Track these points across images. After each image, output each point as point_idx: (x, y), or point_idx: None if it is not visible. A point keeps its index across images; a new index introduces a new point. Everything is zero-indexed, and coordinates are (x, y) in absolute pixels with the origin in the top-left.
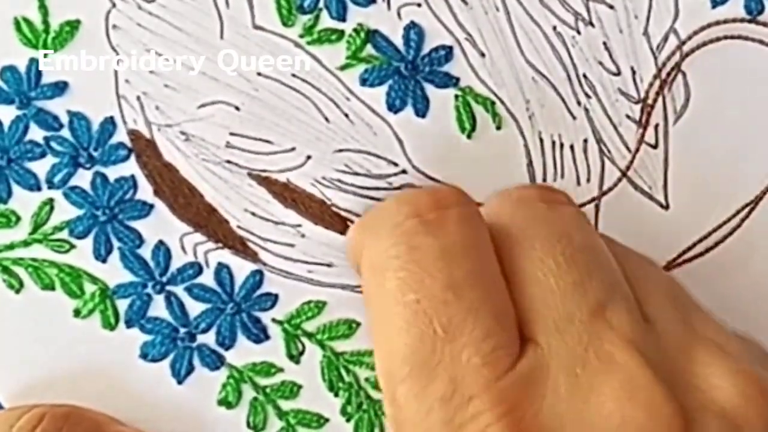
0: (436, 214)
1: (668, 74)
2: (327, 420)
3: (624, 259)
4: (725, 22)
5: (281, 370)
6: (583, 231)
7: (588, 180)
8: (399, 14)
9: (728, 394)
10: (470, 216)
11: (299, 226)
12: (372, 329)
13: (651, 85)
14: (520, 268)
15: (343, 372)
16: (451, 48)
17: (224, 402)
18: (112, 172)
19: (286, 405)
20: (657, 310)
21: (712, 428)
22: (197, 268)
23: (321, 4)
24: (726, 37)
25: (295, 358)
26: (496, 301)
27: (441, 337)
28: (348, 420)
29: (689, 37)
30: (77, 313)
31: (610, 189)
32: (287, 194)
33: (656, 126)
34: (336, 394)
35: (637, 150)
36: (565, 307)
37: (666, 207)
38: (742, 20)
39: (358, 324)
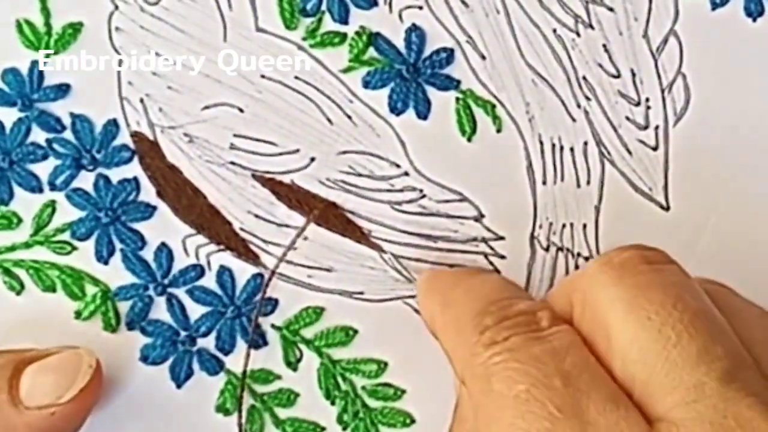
0: (532, 327)
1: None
2: (323, 429)
3: (734, 316)
4: (725, 23)
5: (279, 377)
6: (695, 293)
7: (588, 182)
8: (401, 17)
9: None
10: (567, 330)
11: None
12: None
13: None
14: (636, 342)
15: (340, 380)
16: (452, 51)
17: (222, 408)
18: (115, 174)
19: (283, 413)
20: None
21: None
22: (199, 271)
23: (323, 7)
24: (726, 39)
25: (292, 365)
26: (606, 384)
27: (558, 417)
28: (344, 429)
29: (689, 40)
30: (78, 315)
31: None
32: (292, 196)
33: (656, 128)
34: (332, 403)
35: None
36: (692, 378)
37: (666, 208)
38: (742, 22)
39: (356, 331)
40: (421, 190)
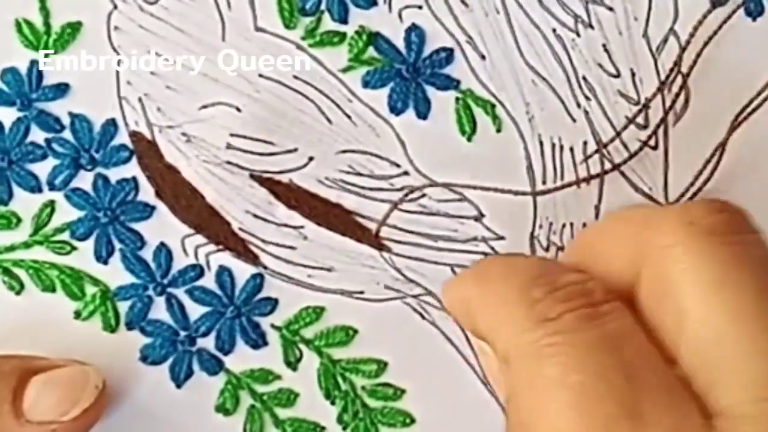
0: (589, 310)
1: (668, 76)
2: (323, 428)
3: None
4: (725, 23)
5: (279, 377)
6: None
7: (588, 183)
8: (400, 16)
9: None
10: (620, 309)
11: (301, 227)
12: (522, 419)
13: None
14: (714, 327)
15: (340, 380)
16: (452, 50)
17: (222, 408)
18: (114, 174)
19: (283, 413)
20: None
21: None
22: (198, 271)
23: (323, 7)
24: (726, 39)
25: (292, 365)
26: (667, 378)
27: (615, 416)
28: (344, 429)
29: (689, 39)
30: (78, 314)
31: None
32: (290, 195)
33: (656, 127)
34: (332, 403)
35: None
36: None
37: None
38: (742, 21)
39: (356, 331)
40: (421, 190)
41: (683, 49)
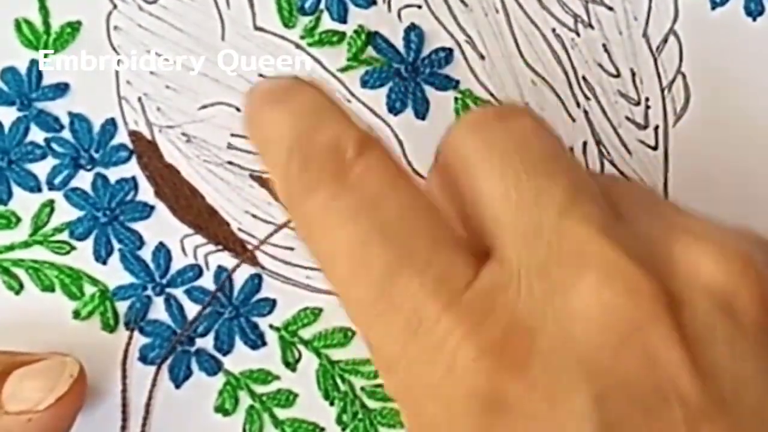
0: (353, 162)
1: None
2: (323, 429)
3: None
4: (725, 23)
5: (277, 377)
6: (543, 138)
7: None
8: (399, 16)
9: (713, 271)
10: (376, 163)
11: None
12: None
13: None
14: (481, 191)
15: (339, 381)
16: (451, 50)
17: (221, 409)
18: (113, 174)
19: (282, 413)
20: (630, 209)
21: (700, 305)
22: (197, 271)
23: (322, 6)
24: (726, 39)
25: (291, 365)
26: (434, 229)
27: (382, 276)
28: (344, 429)
29: (689, 39)
30: (77, 314)
31: None
32: None
33: (656, 127)
34: (331, 403)
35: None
36: (531, 217)
37: None
38: (742, 21)
39: (354, 333)
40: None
41: (682, 47)
